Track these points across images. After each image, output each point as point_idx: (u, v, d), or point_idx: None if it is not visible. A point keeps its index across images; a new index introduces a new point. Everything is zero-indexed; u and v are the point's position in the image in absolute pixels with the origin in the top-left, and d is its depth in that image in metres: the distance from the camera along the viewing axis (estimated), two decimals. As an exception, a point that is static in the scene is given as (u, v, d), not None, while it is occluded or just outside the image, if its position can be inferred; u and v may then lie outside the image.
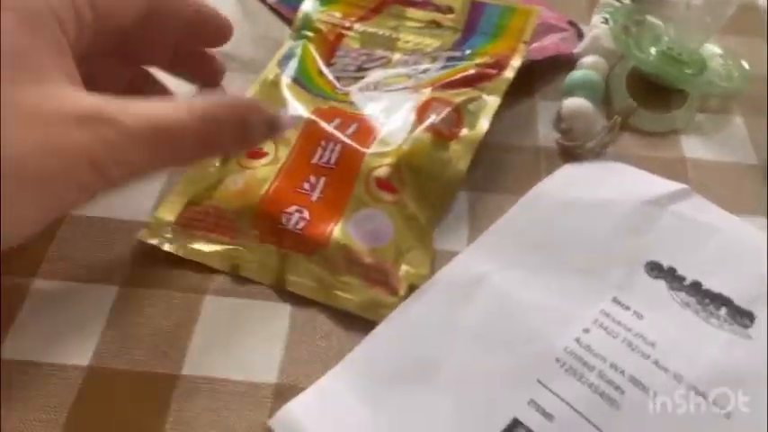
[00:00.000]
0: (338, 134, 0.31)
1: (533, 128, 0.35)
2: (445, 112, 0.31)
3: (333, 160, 0.30)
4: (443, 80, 0.33)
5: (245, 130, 0.26)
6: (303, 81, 0.34)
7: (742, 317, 0.26)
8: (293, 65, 0.35)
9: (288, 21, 0.40)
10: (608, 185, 0.31)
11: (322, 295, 0.27)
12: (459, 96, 0.32)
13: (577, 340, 0.25)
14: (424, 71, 0.34)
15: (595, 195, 0.30)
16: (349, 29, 0.37)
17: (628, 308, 0.26)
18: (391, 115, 0.32)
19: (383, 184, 0.30)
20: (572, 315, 0.26)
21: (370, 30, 0.37)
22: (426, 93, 0.33)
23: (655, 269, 0.27)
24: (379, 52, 0.36)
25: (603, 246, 0.28)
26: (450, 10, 0.37)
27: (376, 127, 0.31)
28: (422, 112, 0.32)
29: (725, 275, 0.27)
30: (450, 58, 0.34)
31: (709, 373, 0.24)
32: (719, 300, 0.26)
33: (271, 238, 0.29)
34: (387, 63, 0.35)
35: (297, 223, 0.28)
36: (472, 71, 0.33)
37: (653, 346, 0.25)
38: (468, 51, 0.35)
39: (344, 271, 0.28)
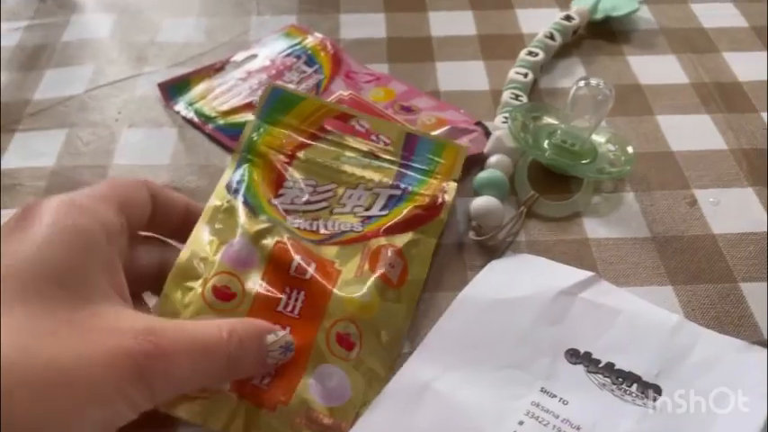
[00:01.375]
0: (300, 282, 0.32)
1: (454, 227, 0.39)
2: (394, 259, 0.34)
3: (296, 310, 0.31)
4: (387, 223, 0.35)
5: (263, 355, 0.29)
6: (255, 207, 0.35)
7: (650, 390, 0.30)
8: (242, 190, 0.35)
9: (226, 148, 0.43)
10: (527, 280, 0.35)
11: None
12: (402, 240, 0.35)
13: (514, 435, 0.29)
14: (368, 208, 0.36)
15: (517, 292, 0.34)
16: (293, 156, 0.38)
17: (554, 396, 0.30)
18: (346, 263, 0.33)
19: (342, 339, 0.31)
20: (507, 409, 0.29)
21: (316, 159, 0.38)
22: (376, 240, 0.34)
23: (574, 355, 0.31)
24: (325, 185, 0.37)
25: (529, 338, 0.32)
26: (386, 142, 0.39)
27: (333, 273, 0.33)
28: (373, 260, 0.33)
29: (632, 354, 0.31)
30: (391, 197, 0.37)
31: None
32: (630, 377, 0.30)
33: (240, 390, 0.30)
34: (333, 197, 0.37)
35: (263, 379, 0.30)
36: (413, 213, 0.36)
37: (578, 429, 0.29)
38: (407, 188, 0.37)
39: (303, 427, 0.29)
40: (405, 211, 0.36)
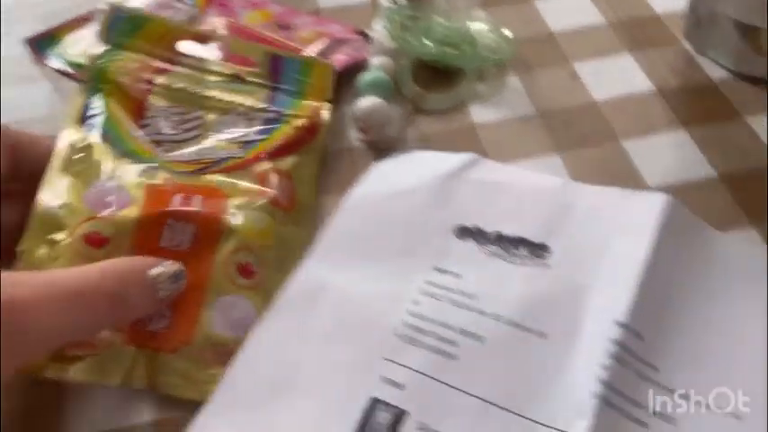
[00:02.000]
0: (185, 214, 0.30)
1: (344, 132, 0.38)
2: (282, 183, 0.33)
3: (185, 244, 0.30)
4: (268, 147, 0.34)
5: (151, 289, 0.27)
6: (116, 143, 0.32)
7: (539, 250, 0.30)
8: (98, 123, 0.33)
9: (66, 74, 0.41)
10: (413, 173, 0.34)
11: (190, 392, 0.28)
12: (286, 164, 0.34)
13: (410, 312, 0.29)
14: (243, 135, 0.35)
15: (404, 185, 0.34)
16: (151, 82, 0.35)
17: (447, 272, 0.30)
18: (233, 190, 0.32)
19: (242, 268, 0.30)
20: (402, 292, 0.30)
21: (177, 85, 0.35)
22: (260, 165, 0.33)
23: (463, 232, 0.31)
24: (192, 112, 0.35)
25: (419, 225, 0.32)
26: (251, 64, 0.37)
27: (220, 201, 0.31)
28: (261, 185, 0.32)
29: (519, 220, 0.31)
30: (266, 121, 0.35)
31: (520, 306, 0.28)
32: (518, 242, 0.31)
33: (136, 339, 0.28)
34: (203, 125, 0.35)
35: (159, 321, 0.28)
36: (292, 136, 0.35)
37: (474, 298, 0.29)
38: (281, 110, 0.36)
39: (213, 363, 0.28)
40: (283, 133, 0.35)
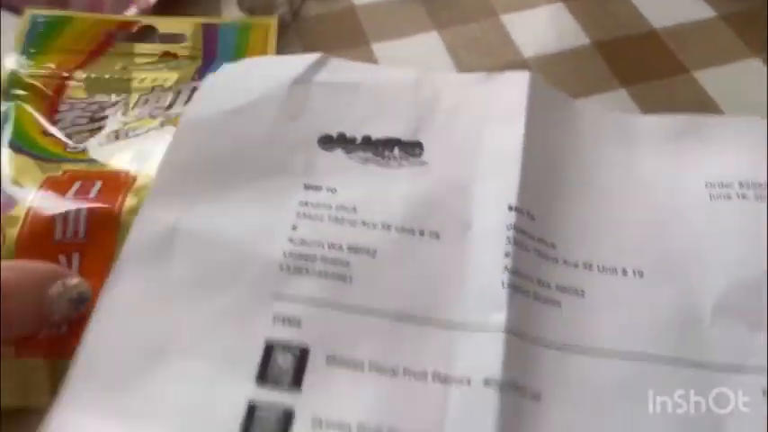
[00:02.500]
0: (79, 201, 0.27)
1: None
2: None
3: (81, 231, 0.26)
4: None
5: (43, 309, 0.23)
6: (24, 147, 0.30)
7: (412, 148, 0.28)
8: (7, 130, 0.31)
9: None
10: (254, 82, 0.30)
11: None
12: None
13: (290, 240, 0.25)
14: (169, 106, 0.32)
15: (247, 97, 0.29)
16: (69, 78, 0.34)
17: (320, 188, 0.27)
18: (147, 161, 0.28)
19: None
20: (274, 220, 0.26)
21: (95, 75, 0.34)
22: None
23: (327, 141, 0.28)
24: (113, 97, 0.33)
25: (275, 140, 0.28)
26: (181, 38, 0.35)
27: (127, 181, 0.28)
28: None
29: (385, 121, 0.29)
30: (195, 89, 0.32)
31: (405, 209, 0.26)
32: (389, 143, 0.28)
33: (31, 350, 0.24)
34: (124, 107, 0.32)
35: (60, 327, 0.24)
36: None
37: (355, 210, 0.26)
38: None
39: None
40: None
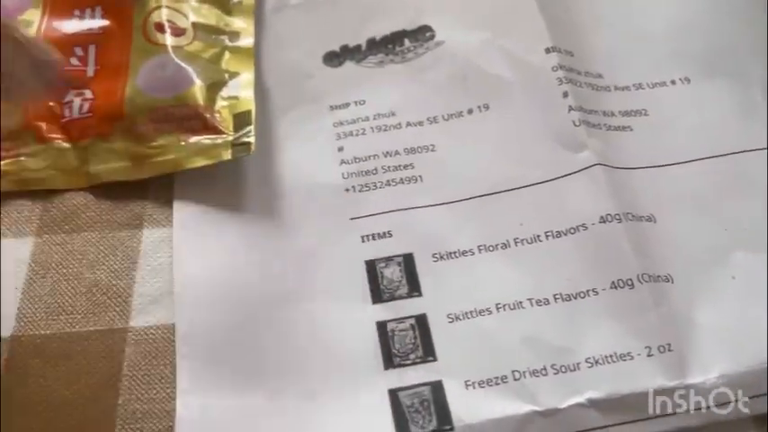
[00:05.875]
0: None
1: None
2: None
3: (97, 22, 0.26)
4: None
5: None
6: None
7: (422, 33, 0.27)
8: None
9: None
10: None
11: (137, 171, 0.24)
12: None
13: (343, 162, 0.24)
14: None
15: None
16: None
17: (347, 104, 0.25)
18: None
19: (160, 27, 0.26)
20: (318, 149, 0.24)
21: None
22: None
23: (333, 58, 0.27)
24: None
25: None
26: None
27: None
28: None
29: (383, 18, 0.27)
30: None
31: (445, 94, 0.25)
32: (396, 37, 0.27)
33: (55, 135, 0.24)
34: None
35: (81, 107, 0.24)
36: None
37: (393, 114, 0.25)
38: None
39: (155, 134, 0.24)
40: None
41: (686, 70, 0.25)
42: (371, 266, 0.22)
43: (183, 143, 0.24)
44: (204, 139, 0.24)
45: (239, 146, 0.24)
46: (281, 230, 0.23)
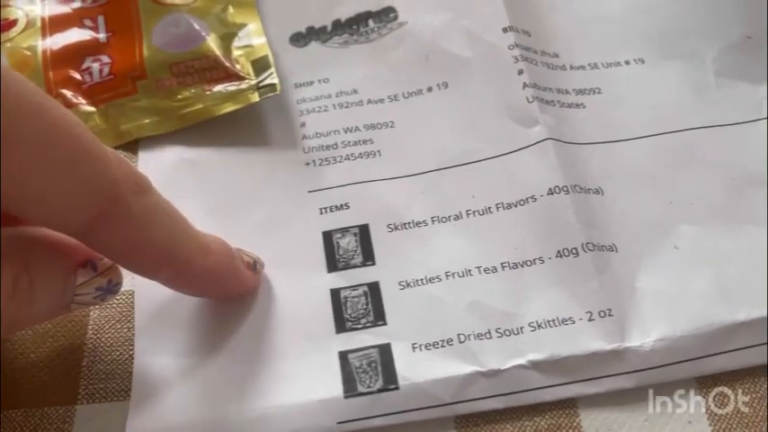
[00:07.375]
0: None
1: None
2: None
3: None
4: None
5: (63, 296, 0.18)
6: None
7: (386, 14, 0.27)
8: None
9: None
10: None
11: (167, 125, 0.25)
12: None
13: (305, 137, 0.25)
14: None
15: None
16: None
17: (311, 82, 0.26)
18: None
19: None
20: (280, 125, 0.25)
21: None
22: None
23: (299, 39, 0.27)
24: None
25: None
26: None
27: None
28: None
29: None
30: None
31: (406, 73, 0.26)
32: (361, 18, 0.27)
33: (79, 100, 0.25)
34: None
35: (101, 71, 0.26)
36: None
37: (356, 92, 0.26)
38: None
39: (179, 88, 0.25)
40: None
41: (641, 51, 0.26)
42: (328, 237, 0.22)
43: (208, 93, 0.25)
44: (229, 86, 0.25)
45: (264, 88, 0.25)
46: (240, 202, 0.23)
